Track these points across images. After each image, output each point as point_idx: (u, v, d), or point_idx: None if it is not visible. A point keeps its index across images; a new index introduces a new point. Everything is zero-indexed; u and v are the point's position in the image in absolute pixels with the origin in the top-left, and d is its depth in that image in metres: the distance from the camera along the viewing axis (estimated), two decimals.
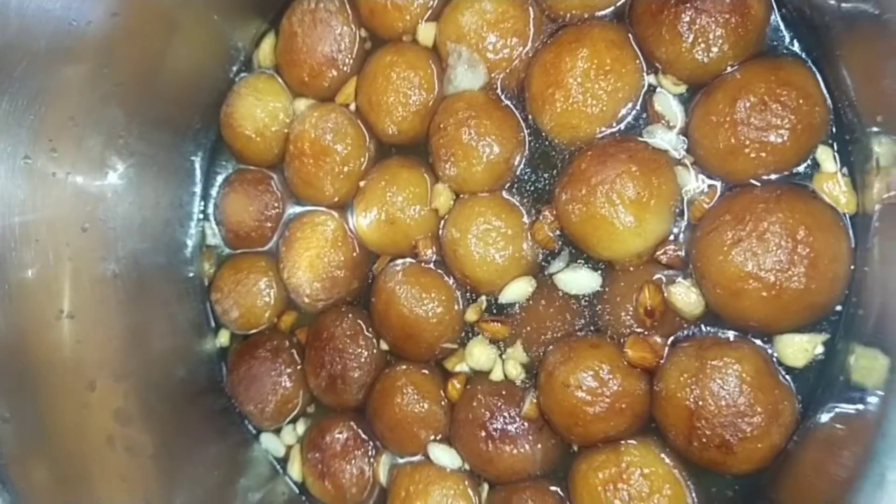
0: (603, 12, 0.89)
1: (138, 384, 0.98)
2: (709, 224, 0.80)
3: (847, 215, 0.76)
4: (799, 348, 0.78)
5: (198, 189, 1.15)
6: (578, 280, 0.88)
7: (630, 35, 0.86)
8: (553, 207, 0.88)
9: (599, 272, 0.88)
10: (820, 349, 0.78)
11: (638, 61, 0.86)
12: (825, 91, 0.78)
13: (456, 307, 0.95)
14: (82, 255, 0.95)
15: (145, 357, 1.02)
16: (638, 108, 0.86)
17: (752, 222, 0.75)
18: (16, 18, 0.80)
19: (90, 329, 0.94)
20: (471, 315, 0.94)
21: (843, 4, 0.70)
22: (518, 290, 0.91)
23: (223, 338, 1.14)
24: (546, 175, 0.91)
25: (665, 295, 0.83)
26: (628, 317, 0.85)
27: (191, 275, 1.14)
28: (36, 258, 0.88)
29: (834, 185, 0.77)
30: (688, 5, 0.79)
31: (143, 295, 1.04)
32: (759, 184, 0.79)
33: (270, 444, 1.10)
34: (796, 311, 0.75)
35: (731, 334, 0.81)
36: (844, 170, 0.77)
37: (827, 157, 0.78)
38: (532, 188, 0.92)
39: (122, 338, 0.98)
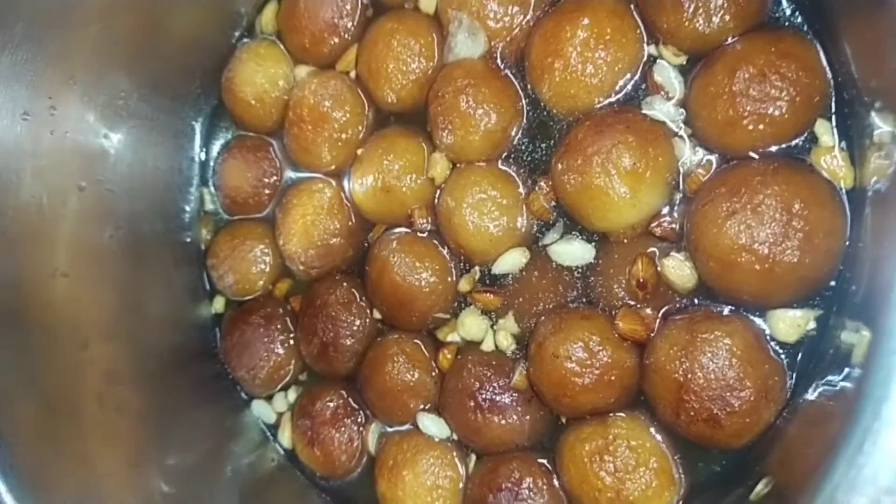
0: None
1: (132, 346, 0.99)
2: (704, 196, 0.78)
3: (844, 190, 0.75)
4: (791, 323, 0.77)
5: (197, 154, 1.15)
6: (572, 251, 0.88)
7: (632, 4, 0.85)
8: (549, 178, 0.88)
9: (593, 244, 0.87)
10: (812, 325, 0.77)
11: (639, 31, 0.85)
12: (826, 64, 0.76)
13: (449, 277, 0.94)
14: (79, 215, 0.95)
15: (140, 320, 1.02)
16: (637, 78, 0.85)
17: (747, 195, 0.74)
18: None
19: (85, 289, 0.94)
20: (464, 285, 0.93)
21: None
22: (511, 260, 0.90)
23: (218, 304, 1.13)
24: (543, 145, 0.90)
25: (658, 268, 0.82)
26: (621, 289, 0.84)
27: (188, 240, 1.14)
28: (32, 214, 0.88)
29: (832, 160, 0.76)
30: None
31: (140, 258, 1.04)
32: (756, 157, 0.78)
33: (262, 410, 1.10)
34: (789, 285, 0.74)
35: (723, 308, 0.80)
36: (843, 144, 0.76)
37: (825, 131, 0.76)
38: (529, 158, 0.91)
39: (116, 299, 0.99)
